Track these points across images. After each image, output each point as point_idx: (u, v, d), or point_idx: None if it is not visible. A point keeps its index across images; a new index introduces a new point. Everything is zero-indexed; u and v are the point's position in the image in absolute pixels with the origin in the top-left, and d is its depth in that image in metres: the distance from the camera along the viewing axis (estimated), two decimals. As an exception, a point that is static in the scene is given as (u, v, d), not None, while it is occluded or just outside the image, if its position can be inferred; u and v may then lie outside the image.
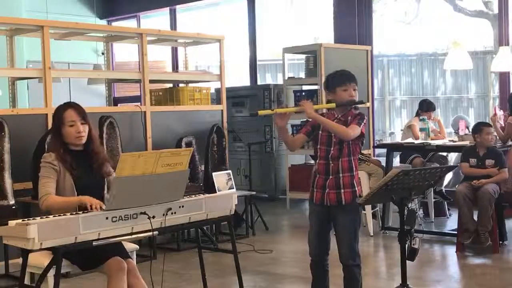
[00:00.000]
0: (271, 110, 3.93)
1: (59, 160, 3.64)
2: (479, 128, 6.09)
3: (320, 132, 3.88)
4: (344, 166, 3.82)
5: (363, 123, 3.81)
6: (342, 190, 3.81)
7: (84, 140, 3.71)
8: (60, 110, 3.73)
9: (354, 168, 3.85)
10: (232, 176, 6.60)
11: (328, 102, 3.96)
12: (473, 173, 6.01)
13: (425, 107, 7.74)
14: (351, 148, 3.82)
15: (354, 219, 3.87)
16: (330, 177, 3.82)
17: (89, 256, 3.46)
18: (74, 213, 3.29)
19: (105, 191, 3.72)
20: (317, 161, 3.91)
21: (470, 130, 6.86)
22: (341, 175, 3.81)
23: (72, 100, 3.97)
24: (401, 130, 11.12)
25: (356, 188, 3.84)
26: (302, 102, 3.87)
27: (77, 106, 3.75)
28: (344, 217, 3.84)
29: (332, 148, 3.83)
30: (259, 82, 10.85)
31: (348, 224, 3.84)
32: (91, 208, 3.36)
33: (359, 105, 3.95)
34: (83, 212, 3.29)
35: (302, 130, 3.99)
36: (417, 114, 7.71)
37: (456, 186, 6.17)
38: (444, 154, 7.70)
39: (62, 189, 3.64)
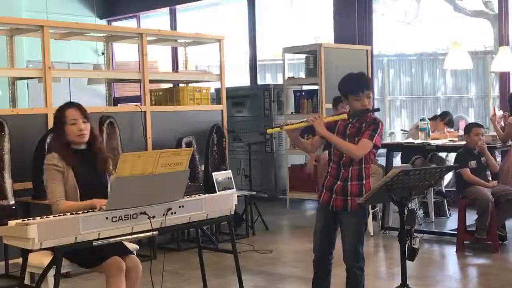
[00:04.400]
0: (279, 128, 3.88)
1: (62, 159, 3.65)
2: (468, 128, 6.12)
3: (335, 135, 3.82)
4: (354, 174, 3.77)
5: (376, 134, 3.71)
6: (349, 198, 3.78)
7: (86, 138, 3.73)
8: (62, 109, 3.77)
9: (364, 176, 3.79)
10: (232, 176, 6.60)
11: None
12: (478, 182, 5.99)
13: (447, 119, 7.70)
14: (364, 155, 3.76)
15: (360, 223, 3.85)
16: (339, 182, 3.79)
17: (89, 254, 3.46)
18: (74, 213, 3.28)
19: (109, 189, 3.72)
20: (331, 163, 3.87)
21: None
22: (349, 183, 3.77)
23: (72, 100, 3.99)
24: (402, 130, 11.10)
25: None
26: (311, 118, 3.77)
27: (78, 105, 3.79)
28: (349, 220, 3.82)
29: (344, 155, 3.78)
30: (259, 82, 10.85)
31: (353, 227, 3.82)
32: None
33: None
34: (83, 212, 3.29)
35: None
36: (433, 119, 7.69)
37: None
38: (444, 156, 7.70)
39: (66, 188, 3.65)
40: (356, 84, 3.79)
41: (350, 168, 3.77)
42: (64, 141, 3.71)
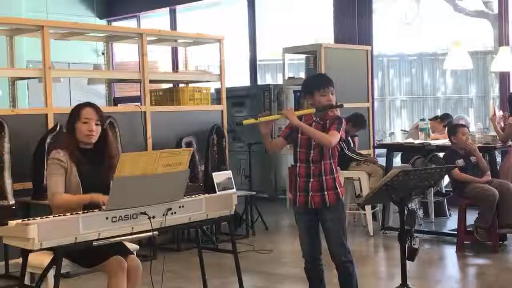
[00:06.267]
0: (255, 119, 3.92)
1: (68, 156, 3.65)
2: (454, 129, 6.13)
3: (299, 135, 3.89)
4: (326, 168, 3.84)
5: (341, 128, 3.83)
6: (326, 192, 3.84)
7: (94, 139, 3.74)
8: (79, 106, 3.80)
9: (334, 170, 3.89)
10: (232, 176, 6.60)
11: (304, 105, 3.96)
12: (469, 179, 5.99)
13: (447, 121, 7.67)
14: (330, 151, 3.85)
15: (340, 217, 3.90)
16: (312, 180, 3.85)
17: (90, 254, 3.46)
18: (74, 213, 3.28)
19: None
20: (297, 164, 3.93)
21: (470, 130, 6.86)
22: (323, 177, 3.84)
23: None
24: (402, 130, 11.08)
25: (339, 190, 3.87)
26: (284, 110, 3.92)
27: (96, 107, 3.81)
28: (330, 216, 3.87)
29: (312, 152, 3.85)
30: (259, 82, 10.85)
31: (335, 222, 3.87)
32: (104, 205, 3.34)
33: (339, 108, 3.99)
34: (83, 212, 3.29)
35: (281, 133, 4.04)
36: (434, 119, 7.68)
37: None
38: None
39: (68, 186, 3.64)
40: (321, 81, 3.94)
41: (322, 163, 3.84)
42: (72, 137, 3.72)
